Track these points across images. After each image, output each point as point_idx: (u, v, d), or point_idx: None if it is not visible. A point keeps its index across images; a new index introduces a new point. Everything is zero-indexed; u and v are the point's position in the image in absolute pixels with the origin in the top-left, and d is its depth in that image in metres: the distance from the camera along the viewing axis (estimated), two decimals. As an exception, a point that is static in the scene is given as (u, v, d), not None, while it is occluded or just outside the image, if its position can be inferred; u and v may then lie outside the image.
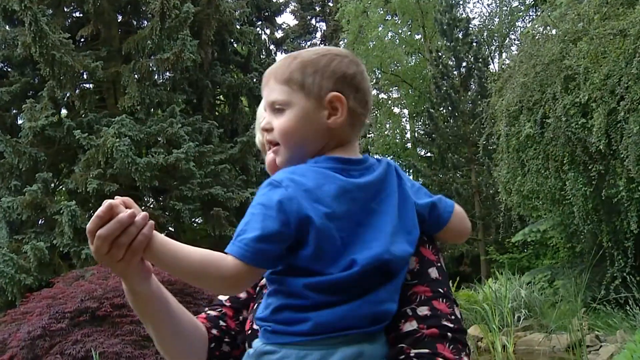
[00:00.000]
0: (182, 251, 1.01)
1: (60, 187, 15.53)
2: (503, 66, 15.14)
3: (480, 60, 19.07)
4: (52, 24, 13.79)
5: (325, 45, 27.93)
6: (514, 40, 23.09)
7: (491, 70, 18.93)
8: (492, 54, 22.49)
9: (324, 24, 29.55)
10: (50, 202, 13.50)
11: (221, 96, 20.34)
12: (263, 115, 1.25)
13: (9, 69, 16.58)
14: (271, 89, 1.16)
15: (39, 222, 14.48)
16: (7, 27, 15.64)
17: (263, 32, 23.53)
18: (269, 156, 1.22)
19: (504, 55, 22.81)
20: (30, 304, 9.01)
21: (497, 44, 23.08)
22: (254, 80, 19.11)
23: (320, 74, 1.13)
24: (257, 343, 1.10)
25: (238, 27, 19.16)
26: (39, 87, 15.12)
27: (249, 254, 0.99)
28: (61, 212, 12.74)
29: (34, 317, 8.26)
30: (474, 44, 19.45)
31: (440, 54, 19.33)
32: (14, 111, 15.72)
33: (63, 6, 15.89)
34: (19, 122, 15.30)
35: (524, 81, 9.67)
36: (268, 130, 1.16)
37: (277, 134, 1.14)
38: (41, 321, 7.98)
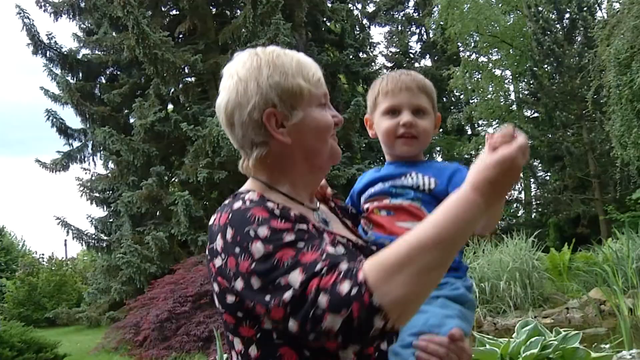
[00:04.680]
0: None
1: (173, 178, 16.28)
2: (611, 11, 14.14)
3: (585, 9, 17.97)
4: (152, 25, 14.42)
5: (419, 14, 27.36)
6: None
7: (598, 19, 17.79)
8: (599, 0, 21.04)
9: (415, -8, 28.81)
10: (165, 194, 14.21)
11: (318, 76, 20.44)
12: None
13: (118, 72, 17.57)
14: (417, 95, 1.53)
15: (157, 214, 15.28)
16: (114, 34, 16.53)
17: (354, 8, 23.35)
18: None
19: (612, -1, 21.25)
20: (156, 289, 9.60)
21: (603, -12, 21.52)
22: (350, 57, 19.06)
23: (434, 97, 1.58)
24: None
25: (329, 5, 19.15)
26: (145, 86, 15.92)
27: None
28: (176, 202, 13.37)
29: (160, 302, 8.81)
30: (577, -8, 18.35)
31: (540, 8, 18.40)
32: (125, 111, 16.63)
33: (160, 6, 16.58)
34: (131, 120, 16.18)
35: (635, 24, 9.00)
36: (412, 125, 1.51)
37: (421, 131, 1.52)
38: (167, 305, 8.51)
